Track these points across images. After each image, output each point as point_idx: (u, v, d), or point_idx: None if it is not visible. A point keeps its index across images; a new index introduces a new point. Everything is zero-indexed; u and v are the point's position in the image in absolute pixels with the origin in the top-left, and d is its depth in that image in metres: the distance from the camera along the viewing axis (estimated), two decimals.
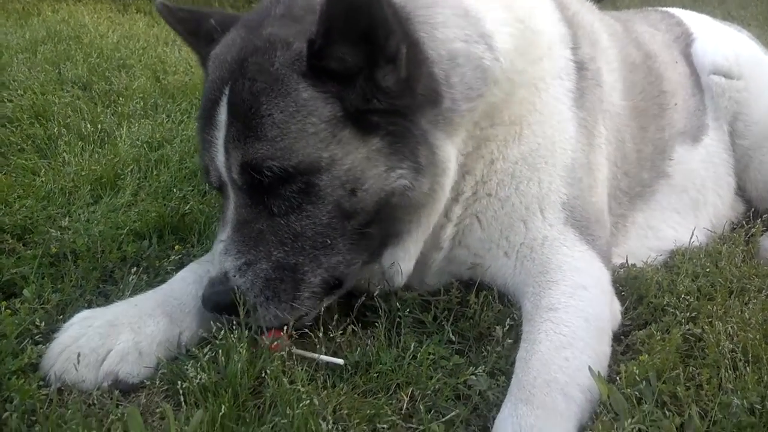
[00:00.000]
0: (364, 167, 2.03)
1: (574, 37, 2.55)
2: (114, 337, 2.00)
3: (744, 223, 3.13)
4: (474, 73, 2.20)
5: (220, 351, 1.94)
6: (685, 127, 3.06)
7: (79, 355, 1.92)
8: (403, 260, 2.24)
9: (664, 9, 3.72)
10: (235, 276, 2.01)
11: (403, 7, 2.14)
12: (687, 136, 3.06)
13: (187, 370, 1.89)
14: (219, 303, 2.02)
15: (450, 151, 2.19)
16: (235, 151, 2.02)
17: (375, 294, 2.26)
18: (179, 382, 1.86)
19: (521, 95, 2.33)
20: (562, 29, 2.53)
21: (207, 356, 1.92)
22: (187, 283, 2.20)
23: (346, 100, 2.02)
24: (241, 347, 1.94)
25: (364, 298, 2.25)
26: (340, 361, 2.03)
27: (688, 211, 3.03)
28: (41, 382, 1.91)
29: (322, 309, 2.17)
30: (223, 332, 1.97)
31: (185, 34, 2.44)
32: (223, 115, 2.04)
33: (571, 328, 1.98)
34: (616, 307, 2.24)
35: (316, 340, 2.07)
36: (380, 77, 2.02)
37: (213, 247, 2.19)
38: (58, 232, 2.62)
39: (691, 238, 2.88)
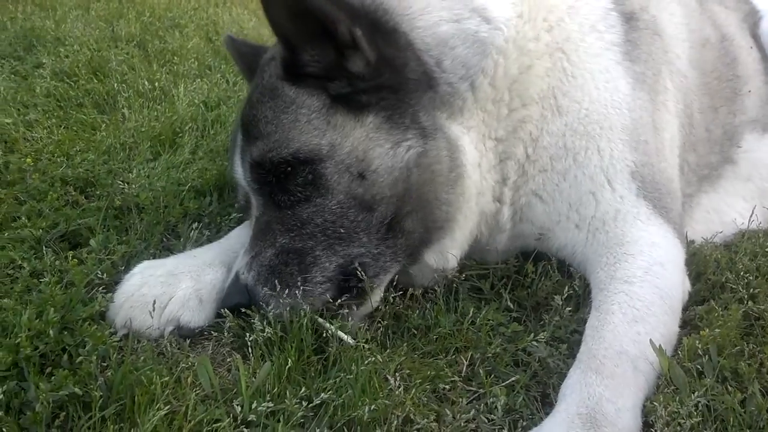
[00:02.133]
0: (366, 147, 2.04)
1: None
2: (175, 285, 2.06)
3: None
4: (469, 50, 2.20)
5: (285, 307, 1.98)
6: (757, 116, 2.99)
7: (144, 302, 1.99)
8: (452, 249, 2.23)
9: None
10: (243, 273, 2.02)
11: (380, 4, 2.18)
12: (758, 124, 2.99)
13: (254, 323, 1.93)
14: (231, 304, 2.01)
15: (458, 131, 2.20)
16: (245, 157, 2.12)
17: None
18: (247, 335, 1.91)
19: (544, 66, 2.27)
20: None
21: (272, 311, 1.96)
22: (243, 239, 2.24)
23: (330, 89, 2.07)
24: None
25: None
26: (351, 341, 1.95)
27: (755, 198, 2.96)
28: (111, 329, 1.96)
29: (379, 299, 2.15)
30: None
31: (243, 66, 2.67)
32: (239, 136, 2.18)
33: (645, 304, 1.97)
34: (687, 285, 2.21)
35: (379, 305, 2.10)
36: (350, 65, 2.06)
37: None
38: (124, 185, 2.66)
39: (750, 216, 2.84)
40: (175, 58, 4.30)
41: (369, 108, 2.07)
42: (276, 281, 1.96)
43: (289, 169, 2.03)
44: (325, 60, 2.06)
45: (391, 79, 2.10)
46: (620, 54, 2.34)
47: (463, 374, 1.94)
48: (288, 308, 1.95)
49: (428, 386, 1.86)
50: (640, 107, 2.32)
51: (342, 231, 2.03)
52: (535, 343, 2.01)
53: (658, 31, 2.50)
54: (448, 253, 2.22)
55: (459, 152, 2.17)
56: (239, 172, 2.18)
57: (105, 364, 1.82)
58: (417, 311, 2.15)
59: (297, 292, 1.94)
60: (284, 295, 1.95)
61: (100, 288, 2.10)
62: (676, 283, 2.11)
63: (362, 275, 2.02)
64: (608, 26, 2.36)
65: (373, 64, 2.07)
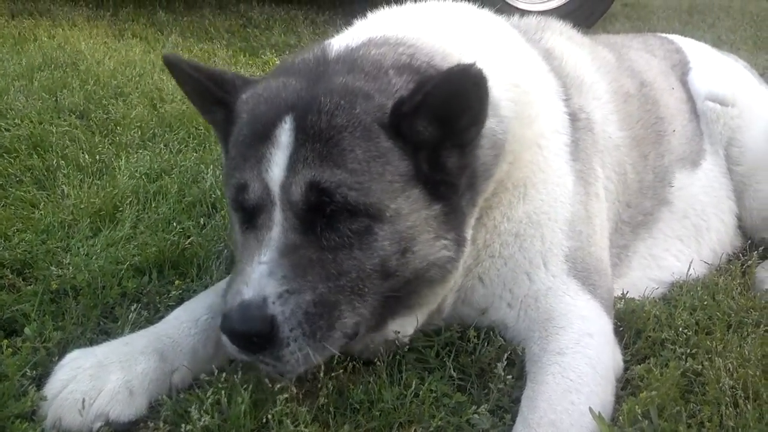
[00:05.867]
0: (421, 230, 2.05)
1: (564, 88, 2.58)
2: (104, 377, 2.00)
3: (740, 255, 3.15)
4: (490, 152, 2.22)
5: (223, 393, 1.95)
6: (684, 153, 3.10)
7: (72, 399, 1.94)
8: (410, 327, 2.26)
9: (664, 35, 3.77)
10: (274, 303, 1.89)
11: None
12: (686, 161, 3.10)
13: (191, 412, 1.90)
14: (250, 330, 1.88)
15: (468, 234, 2.24)
16: (306, 171, 1.97)
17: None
18: (183, 425, 1.87)
19: (525, 158, 2.35)
20: (552, 81, 2.56)
21: (210, 398, 1.93)
22: (180, 322, 2.21)
23: (421, 164, 2.06)
24: (245, 389, 1.95)
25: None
26: None
27: (691, 237, 3.06)
28: (42, 426, 1.91)
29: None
30: (225, 375, 1.97)
31: (206, 81, 2.27)
32: (285, 136, 2.00)
33: (578, 374, 2.02)
34: (619, 356, 2.26)
35: (319, 377, 2.09)
36: (445, 156, 2.08)
37: (240, 268, 2.01)
38: (58, 269, 2.61)
39: (688, 270, 2.90)
40: (118, 128, 4.26)
41: (441, 199, 2.09)
42: (306, 328, 1.90)
43: (352, 214, 1.99)
44: (428, 138, 2.05)
45: (461, 182, 2.13)
46: (569, 154, 2.48)
47: None
48: (305, 355, 1.91)
49: None
50: (579, 201, 2.44)
51: (365, 290, 2.02)
52: (476, 415, 2.01)
53: (590, 127, 2.63)
54: (407, 326, 2.25)
55: (464, 257, 2.22)
56: (275, 176, 2.00)
57: None
58: (360, 385, 2.13)
59: (321, 343, 1.93)
60: (307, 344, 1.90)
61: (33, 382, 2.04)
62: (606, 353, 2.16)
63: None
64: (563, 128, 2.50)
65: (462, 166, 2.11)
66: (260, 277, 1.91)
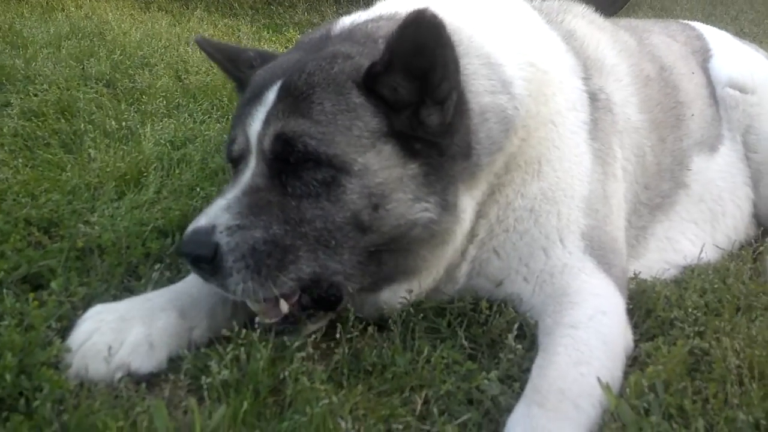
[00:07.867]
0: (395, 188, 2.10)
1: (584, 68, 2.61)
2: (126, 330, 2.06)
3: (753, 241, 3.17)
4: (498, 127, 2.27)
5: (242, 349, 2.01)
6: (703, 137, 3.11)
7: (96, 350, 2.01)
8: (405, 293, 2.31)
9: (686, 22, 3.77)
10: (222, 232, 2.01)
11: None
12: (704, 146, 3.11)
13: (210, 366, 1.96)
14: (193, 252, 2.03)
15: (467, 204, 2.27)
16: (276, 122, 2.10)
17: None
18: (203, 378, 1.94)
19: (538, 136, 2.38)
20: (571, 60, 2.59)
21: (230, 354, 1.99)
22: (200, 281, 2.25)
23: (394, 119, 2.11)
24: (263, 346, 2.02)
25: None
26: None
27: (706, 222, 3.08)
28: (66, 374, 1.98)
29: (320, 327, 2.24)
30: (245, 332, 2.04)
31: (224, 60, 2.58)
32: (272, 95, 2.15)
33: (589, 348, 2.06)
34: (630, 335, 2.28)
35: (335, 339, 2.15)
36: (425, 115, 2.12)
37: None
38: (85, 227, 2.68)
39: (700, 253, 2.93)
40: (144, 97, 4.33)
41: (418, 158, 2.13)
42: (250, 262, 2.00)
43: (316, 164, 2.06)
44: (406, 96, 2.10)
45: (445, 143, 2.16)
46: (587, 132, 2.50)
47: (417, 413, 1.98)
48: (248, 288, 2.01)
49: (382, 426, 1.89)
50: (596, 180, 2.47)
51: (333, 243, 2.08)
52: (487, 381, 2.06)
53: (610, 107, 2.65)
54: (403, 291, 2.29)
55: (460, 225, 2.26)
56: (255, 129, 2.14)
57: (62, 408, 1.83)
58: (374, 349, 2.18)
59: (264, 281, 2.01)
60: (251, 278, 2.00)
61: (58, 333, 2.10)
62: (618, 331, 2.20)
63: (339, 295, 2.16)
64: (582, 106, 2.52)
65: (444, 126, 2.14)
66: (217, 209, 2.07)
